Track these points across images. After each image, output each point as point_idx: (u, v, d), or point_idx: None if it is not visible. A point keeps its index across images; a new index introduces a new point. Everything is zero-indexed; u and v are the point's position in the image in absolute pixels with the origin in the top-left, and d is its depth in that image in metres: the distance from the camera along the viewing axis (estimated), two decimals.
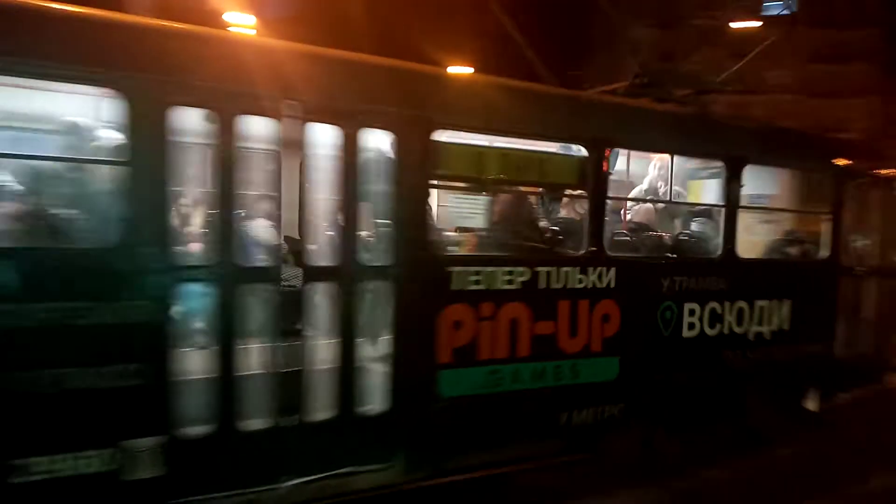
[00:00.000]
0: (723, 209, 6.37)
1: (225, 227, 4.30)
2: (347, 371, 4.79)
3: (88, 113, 4.47)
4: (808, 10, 59.62)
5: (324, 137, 4.66)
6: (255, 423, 4.51)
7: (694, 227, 6.64)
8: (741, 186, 6.44)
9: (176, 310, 4.28)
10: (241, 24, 12.64)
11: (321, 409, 4.74)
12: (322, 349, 4.75)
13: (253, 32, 12.29)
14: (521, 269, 5.33)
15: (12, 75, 3.91)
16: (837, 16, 60.22)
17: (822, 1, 59.22)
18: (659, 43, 60.76)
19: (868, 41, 61.30)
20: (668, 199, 6.55)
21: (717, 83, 7.59)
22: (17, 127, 4.50)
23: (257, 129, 4.44)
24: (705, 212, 6.63)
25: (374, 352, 4.95)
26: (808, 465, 6.68)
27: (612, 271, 5.72)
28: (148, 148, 4.02)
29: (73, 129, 4.44)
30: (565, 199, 5.94)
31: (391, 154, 4.84)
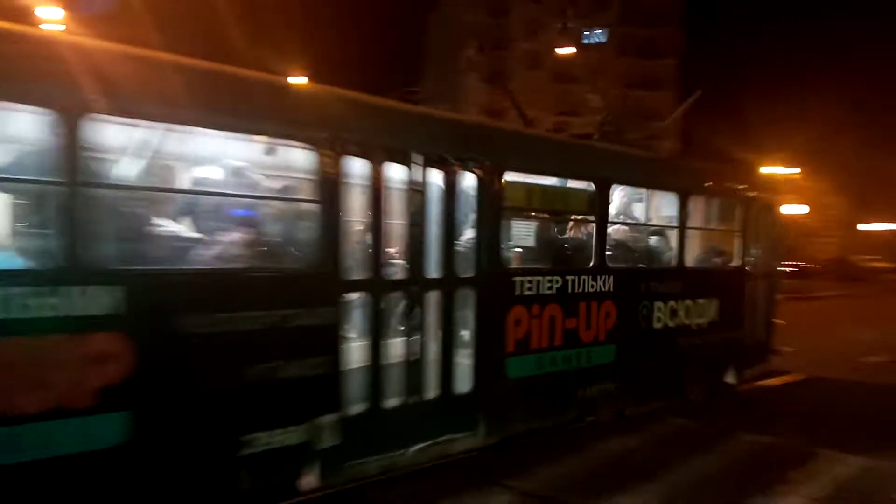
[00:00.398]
0: (676, 229, 8.42)
1: (374, 246, 5.60)
2: (448, 360, 6.19)
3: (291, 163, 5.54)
4: (619, 40, 66.29)
5: (435, 180, 6.06)
6: (393, 402, 5.80)
7: (654, 242, 8.63)
8: (688, 212, 8.53)
9: (355, 314, 5.52)
10: (50, 19, 12.27)
11: (431, 389, 6.10)
12: (431, 342, 6.12)
13: (62, 28, 12.01)
14: (557, 277, 6.99)
15: (262, 135, 5.12)
16: (645, 46, 67.48)
17: (630, 33, 66.38)
18: (490, 62, 64.52)
19: (669, 71, 68.75)
20: (641, 221, 8.55)
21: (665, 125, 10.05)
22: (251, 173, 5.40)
23: (396, 174, 5.76)
24: (662, 231, 8.64)
25: (465, 344, 6.38)
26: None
27: (612, 278, 7.54)
28: (336, 189, 5.25)
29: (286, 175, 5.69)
30: (581, 223, 7.67)
31: (478, 191, 6.33)
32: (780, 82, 65.74)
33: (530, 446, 7.00)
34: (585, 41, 63.07)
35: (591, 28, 63.91)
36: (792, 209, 53.44)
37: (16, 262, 4.09)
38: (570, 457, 6.83)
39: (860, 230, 65.63)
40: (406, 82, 49.07)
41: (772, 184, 11.42)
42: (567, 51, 45.92)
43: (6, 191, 4.37)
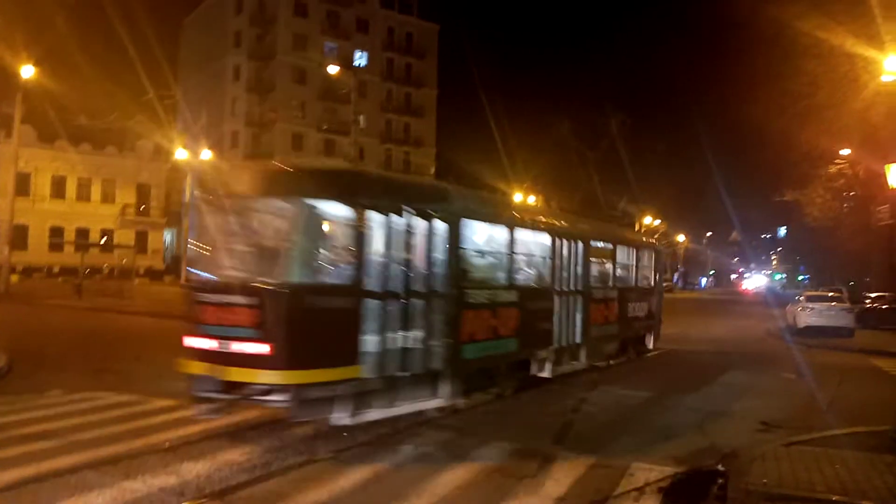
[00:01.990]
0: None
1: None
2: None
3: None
4: (382, 65, 68.99)
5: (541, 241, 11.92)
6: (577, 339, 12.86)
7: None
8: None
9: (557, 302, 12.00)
10: None
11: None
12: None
13: None
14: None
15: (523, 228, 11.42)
16: (406, 75, 71.06)
17: (391, 59, 69.61)
18: (256, 72, 63.63)
19: (430, 99, 73.05)
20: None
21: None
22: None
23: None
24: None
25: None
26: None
27: (617, 292, 14.65)
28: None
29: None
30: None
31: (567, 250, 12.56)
32: (523, 116, 72.88)
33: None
34: (356, 63, 64.59)
35: (352, 50, 65.59)
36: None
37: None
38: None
39: None
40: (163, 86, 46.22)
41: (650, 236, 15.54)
42: (333, 69, 46.75)
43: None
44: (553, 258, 11.84)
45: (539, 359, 11.58)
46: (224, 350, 7.17)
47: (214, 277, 7.89)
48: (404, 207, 8.14)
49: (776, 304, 34.24)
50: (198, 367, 7.33)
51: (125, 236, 52.88)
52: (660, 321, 17.91)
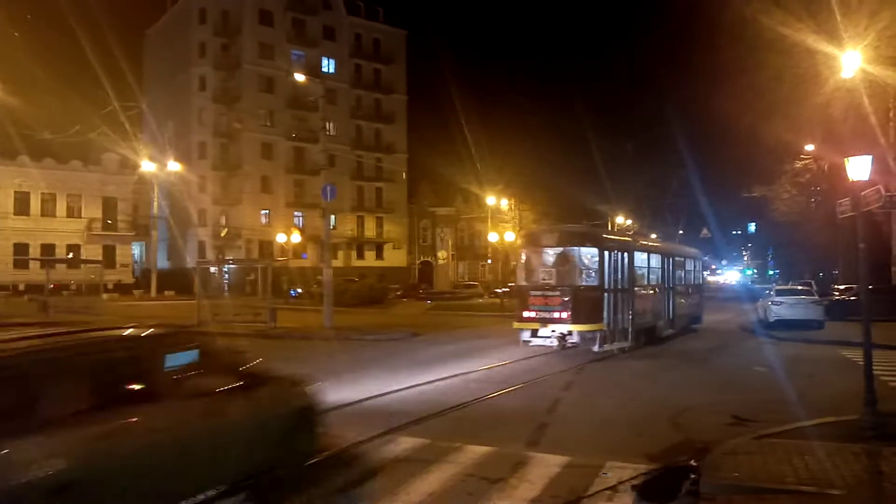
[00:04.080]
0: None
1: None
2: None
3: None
4: (351, 72, 68.78)
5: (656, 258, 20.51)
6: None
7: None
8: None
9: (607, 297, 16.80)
10: None
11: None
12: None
13: None
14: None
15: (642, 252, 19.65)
16: (376, 81, 70.91)
17: (360, 66, 69.41)
18: (222, 82, 63.04)
19: (400, 105, 72.94)
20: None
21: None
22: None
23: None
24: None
25: None
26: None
27: (685, 286, 23.51)
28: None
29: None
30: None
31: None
32: (494, 120, 73.10)
33: None
34: (324, 70, 64.23)
35: (320, 57, 65.28)
36: (507, 236, 59.86)
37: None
38: None
39: None
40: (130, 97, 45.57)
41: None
42: (300, 77, 46.41)
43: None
44: (663, 268, 20.68)
45: (658, 327, 19.73)
46: (545, 317, 15.95)
47: (538, 284, 16.70)
48: (616, 248, 17.18)
49: (748, 298, 34.63)
50: (529, 325, 16.24)
51: (92, 251, 51.93)
52: (703, 306, 26.20)
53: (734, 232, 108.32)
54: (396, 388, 11.76)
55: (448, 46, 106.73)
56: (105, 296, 36.65)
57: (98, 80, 40.27)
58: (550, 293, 15.99)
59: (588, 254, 16.60)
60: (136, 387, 4.80)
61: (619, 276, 16.81)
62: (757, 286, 55.89)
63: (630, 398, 11.21)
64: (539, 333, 15.90)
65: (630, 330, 17.09)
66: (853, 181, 8.50)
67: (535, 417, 9.46)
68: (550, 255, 16.87)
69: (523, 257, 17.43)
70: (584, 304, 15.76)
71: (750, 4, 20.16)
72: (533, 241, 17.81)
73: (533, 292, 16.20)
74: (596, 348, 15.89)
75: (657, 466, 6.95)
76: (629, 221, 70.45)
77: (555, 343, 15.91)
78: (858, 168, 8.44)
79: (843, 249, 40.04)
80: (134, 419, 4.53)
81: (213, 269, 49.36)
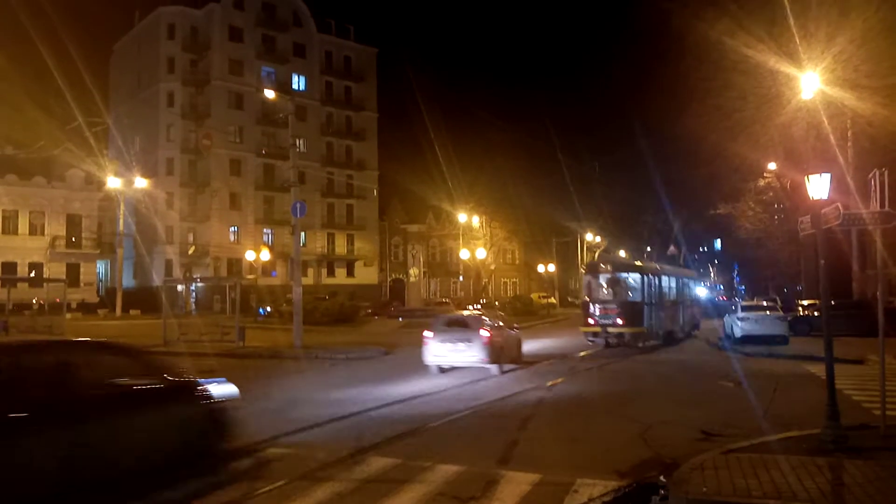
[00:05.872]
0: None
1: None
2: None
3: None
4: (318, 89, 68.72)
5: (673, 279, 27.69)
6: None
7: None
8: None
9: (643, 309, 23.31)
10: None
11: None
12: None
13: None
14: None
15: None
16: (347, 98, 70.89)
17: (330, 82, 69.41)
18: (191, 98, 62.54)
19: (370, 122, 72.92)
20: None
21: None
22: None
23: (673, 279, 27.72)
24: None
25: None
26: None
27: (690, 301, 31.60)
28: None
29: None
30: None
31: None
32: (465, 138, 73.52)
33: None
34: (294, 87, 64.06)
35: (290, 74, 65.15)
36: (478, 253, 60.08)
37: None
38: None
39: (537, 271, 75.48)
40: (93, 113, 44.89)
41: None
42: (269, 93, 46.23)
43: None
44: (677, 287, 27.27)
45: (675, 331, 25.85)
46: (604, 323, 22.08)
47: (598, 299, 22.90)
48: (650, 273, 23.71)
49: (715, 314, 35.28)
50: (593, 329, 22.37)
51: (56, 269, 50.87)
52: (700, 316, 32.91)
53: (701, 249, 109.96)
54: (370, 406, 11.69)
55: (419, 64, 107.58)
56: (68, 315, 35.84)
57: (63, 95, 39.56)
58: (609, 305, 22.37)
59: (632, 277, 23.13)
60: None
61: (653, 293, 23.28)
62: (724, 302, 56.73)
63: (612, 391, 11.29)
64: (598, 335, 22.39)
65: (661, 332, 23.71)
66: (813, 199, 8.72)
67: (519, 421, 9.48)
68: (606, 279, 23.24)
69: (586, 280, 23.68)
70: (633, 314, 22.11)
71: (715, 27, 20.60)
72: (592, 269, 24.44)
73: (593, 305, 22.62)
74: (640, 344, 22.22)
75: (626, 483, 6.99)
76: (598, 238, 71.20)
77: (602, 341, 22.49)
78: (818, 186, 8.67)
79: (805, 265, 40.92)
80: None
81: (180, 288, 48.65)
